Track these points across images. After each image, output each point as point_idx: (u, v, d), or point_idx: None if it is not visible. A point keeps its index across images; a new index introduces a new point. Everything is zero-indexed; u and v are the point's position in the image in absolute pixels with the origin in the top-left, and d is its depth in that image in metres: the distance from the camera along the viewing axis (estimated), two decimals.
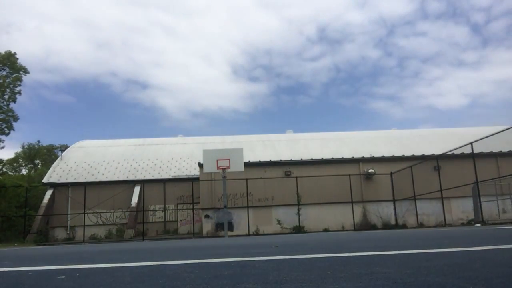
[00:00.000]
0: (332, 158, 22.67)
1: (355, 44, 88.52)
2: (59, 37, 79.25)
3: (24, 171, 46.01)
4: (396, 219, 21.31)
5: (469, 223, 18.46)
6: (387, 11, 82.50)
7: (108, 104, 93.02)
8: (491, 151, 19.63)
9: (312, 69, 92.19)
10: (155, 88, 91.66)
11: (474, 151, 14.55)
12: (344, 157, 22.79)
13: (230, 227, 20.16)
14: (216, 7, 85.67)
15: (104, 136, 68.79)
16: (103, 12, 79.40)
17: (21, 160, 46.80)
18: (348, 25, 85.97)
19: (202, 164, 18.33)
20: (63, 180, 24.56)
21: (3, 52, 28.52)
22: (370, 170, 21.60)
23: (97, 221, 23.65)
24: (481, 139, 14.13)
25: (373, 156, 22.50)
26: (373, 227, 20.96)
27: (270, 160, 22.19)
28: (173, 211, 24.47)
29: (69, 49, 78.93)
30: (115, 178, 24.74)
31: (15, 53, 28.81)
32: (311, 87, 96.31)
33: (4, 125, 28.75)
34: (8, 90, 28.68)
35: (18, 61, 28.91)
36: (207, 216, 20.86)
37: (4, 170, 42.54)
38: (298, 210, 20.75)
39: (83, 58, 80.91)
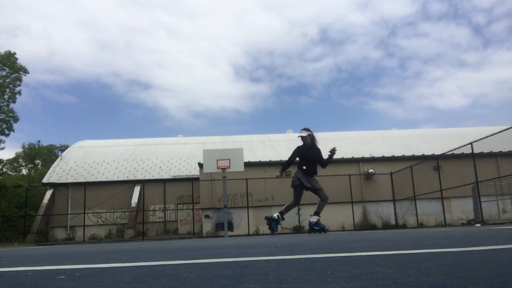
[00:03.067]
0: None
1: (357, 45, 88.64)
2: (62, 38, 79.42)
3: (24, 171, 46.07)
4: (396, 219, 21.31)
5: (469, 223, 18.46)
6: (388, 12, 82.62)
7: (110, 104, 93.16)
8: (491, 151, 19.63)
9: (313, 69, 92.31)
10: (157, 88, 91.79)
11: (474, 151, 14.53)
12: (344, 157, 22.78)
13: (230, 227, 20.16)
14: (219, 8, 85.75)
15: (105, 137, 68.81)
16: (106, 13, 79.50)
17: (21, 160, 46.83)
18: (350, 26, 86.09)
19: (202, 164, 18.30)
20: (63, 180, 24.56)
21: (2, 52, 28.53)
22: (370, 170, 21.60)
23: (97, 221, 23.64)
24: (481, 139, 14.11)
25: (373, 156, 22.49)
26: (373, 227, 20.96)
27: (270, 160, 22.18)
28: (173, 211, 24.47)
29: (72, 50, 79.13)
30: (115, 178, 24.74)
31: (14, 53, 28.79)
32: (313, 87, 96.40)
33: (4, 126, 28.73)
34: (8, 90, 28.67)
35: (19, 61, 28.92)
36: (207, 216, 20.85)
37: (4, 170, 42.54)
38: (298, 210, 20.74)
39: (86, 58, 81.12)
